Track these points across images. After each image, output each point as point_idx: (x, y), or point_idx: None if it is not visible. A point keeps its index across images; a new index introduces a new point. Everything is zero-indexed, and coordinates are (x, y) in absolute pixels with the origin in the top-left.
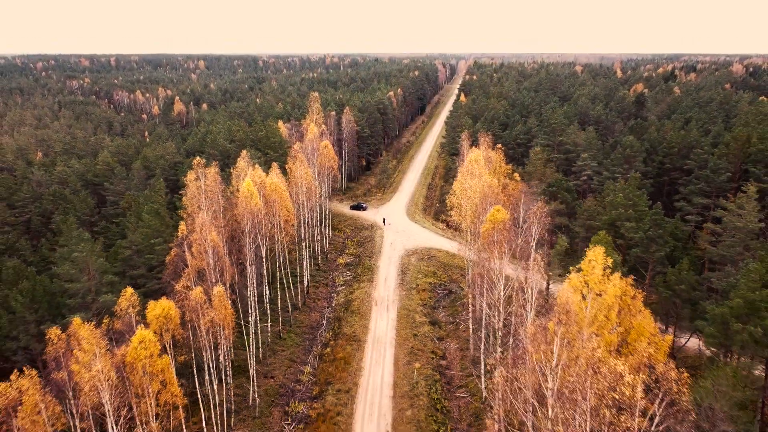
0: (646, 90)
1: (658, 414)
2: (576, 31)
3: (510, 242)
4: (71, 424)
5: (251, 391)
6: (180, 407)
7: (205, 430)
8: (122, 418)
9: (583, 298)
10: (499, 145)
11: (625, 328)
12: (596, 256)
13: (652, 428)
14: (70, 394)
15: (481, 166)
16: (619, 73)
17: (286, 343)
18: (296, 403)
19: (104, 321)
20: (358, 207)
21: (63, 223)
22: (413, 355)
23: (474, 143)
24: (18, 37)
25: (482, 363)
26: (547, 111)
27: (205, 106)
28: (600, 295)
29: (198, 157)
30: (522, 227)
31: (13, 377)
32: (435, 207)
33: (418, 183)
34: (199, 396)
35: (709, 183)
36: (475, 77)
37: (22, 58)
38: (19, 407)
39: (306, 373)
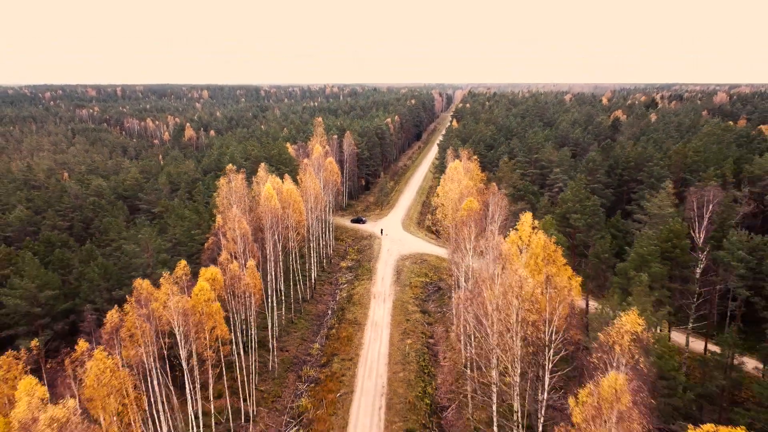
0: (624, 116)
1: (557, 313)
2: (574, 62)
3: (478, 224)
4: (156, 340)
5: (270, 360)
6: (227, 343)
7: (238, 384)
8: (188, 342)
9: (520, 251)
10: (475, 157)
11: (549, 274)
12: (526, 219)
13: (554, 320)
14: (154, 322)
15: (459, 173)
16: (605, 101)
17: (297, 327)
18: (308, 369)
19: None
20: (358, 220)
21: (112, 223)
22: (406, 334)
23: (457, 157)
24: (24, 67)
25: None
26: (529, 134)
27: (212, 132)
28: (528, 245)
29: (230, 164)
30: (489, 215)
31: (114, 308)
32: (428, 221)
33: (413, 201)
34: (236, 360)
35: (654, 189)
36: (468, 105)
37: (29, 88)
38: (121, 327)
39: (315, 348)
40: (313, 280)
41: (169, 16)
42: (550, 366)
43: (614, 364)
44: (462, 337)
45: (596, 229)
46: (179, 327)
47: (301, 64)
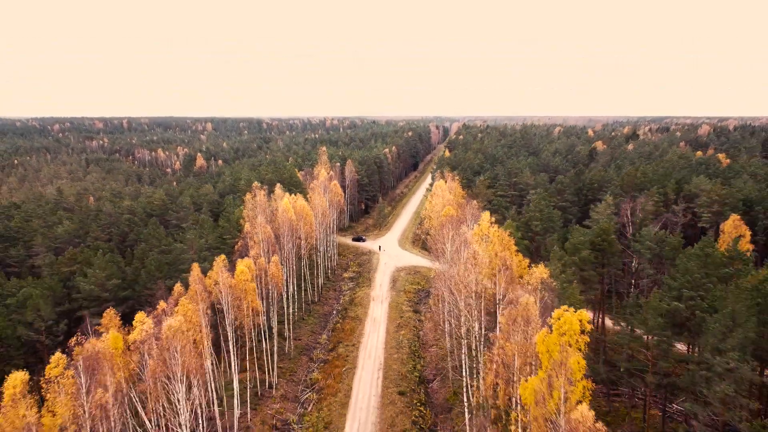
0: (603, 146)
1: (503, 281)
2: (572, 96)
3: (454, 226)
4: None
5: (287, 346)
6: (260, 314)
7: (263, 361)
8: (232, 311)
9: (482, 240)
10: (457, 177)
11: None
12: (485, 216)
13: (501, 283)
14: (207, 294)
15: (443, 190)
16: (591, 133)
17: (307, 322)
18: (318, 353)
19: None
20: (359, 239)
21: (152, 233)
22: (400, 327)
23: (443, 178)
24: (27, 100)
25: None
26: (512, 162)
27: (220, 161)
28: (488, 236)
29: (255, 182)
30: (464, 219)
31: (178, 283)
32: (422, 240)
33: (408, 223)
34: (265, 342)
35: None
36: (461, 137)
37: (36, 121)
38: (182, 298)
39: (323, 338)
40: (319, 286)
41: (172, 50)
42: (501, 310)
43: (528, 294)
44: (441, 305)
45: (551, 232)
46: (227, 298)
47: (301, 96)
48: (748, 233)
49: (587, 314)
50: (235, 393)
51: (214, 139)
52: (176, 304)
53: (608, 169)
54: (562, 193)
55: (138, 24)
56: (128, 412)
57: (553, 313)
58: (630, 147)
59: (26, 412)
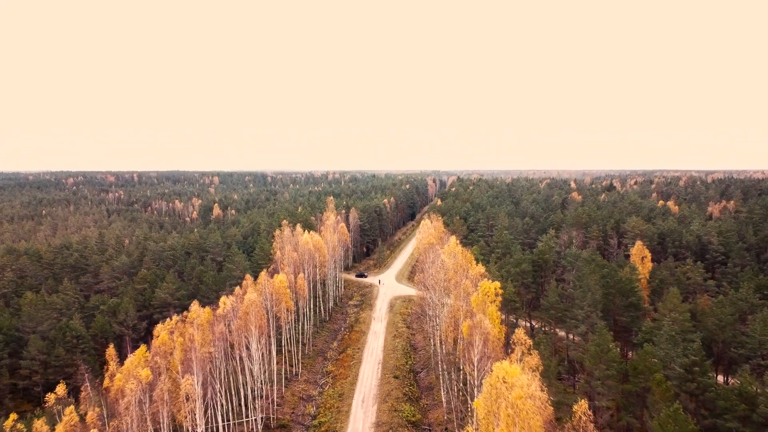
0: (579, 196)
1: (461, 277)
2: (572, 150)
3: (434, 250)
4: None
5: (306, 349)
6: (292, 311)
7: (291, 354)
8: (272, 307)
9: (451, 256)
10: (440, 218)
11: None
12: (453, 239)
13: (461, 283)
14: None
15: (429, 227)
16: (573, 185)
17: (320, 335)
18: (331, 354)
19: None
20: (361, 275)
21: (200, 265)
22: (395, 337)
23: (429, 219)
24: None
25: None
26: (494, 209)
27: (233, 211)
28: (454, 253)
29: (284, 220)
30: (441, 245)
31: (237, 288)
32: (416, 276)
33: (404, 263)
34: (292, 344)
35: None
36: (454, 189)
37: (50, 174)
38: (248, 288)
39: (334, 345)
40: (329, 308)
41: (173, 108)
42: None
43: (470, 282)
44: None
45: (508, 255)
46: (270, 298)
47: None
48: (650, 255)
49: (497, 283)
50: (274, 372)
51: (223, 192)
52: (244, 293)
53: (565, 213)
54: (528, 231)
55: (150, 145)
56: (224, 354)
57: (479, 283)
58: (603, 197)
59: (170, 338)
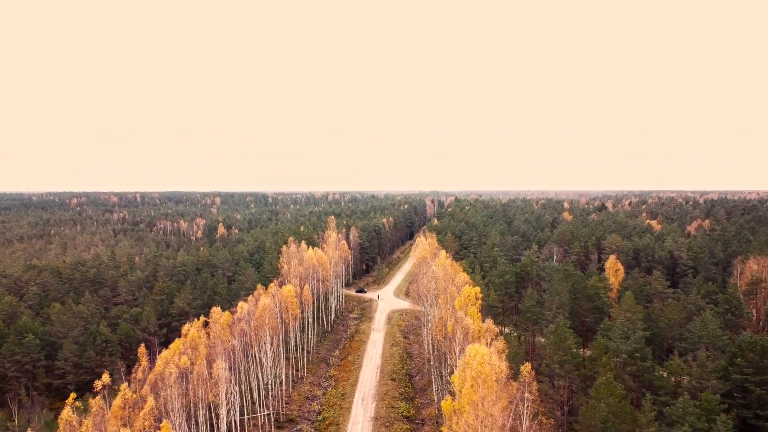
0: (570, 216)
1: (449, 284)
2: (571, 171)
3: (427, 263)
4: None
5: (311, 353)
6: (298, 319)
7: (297, 360)
8: (281, 314)
9: (441, 267)
10: (433, 235)
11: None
12: (443, 253)
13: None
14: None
15: (423, 243)
16: (566, 205)
17: (323, 344)
18: (333, 360)
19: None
20: (360, 290)
21: (212, 278)
22: (393, 346)
23: (425, 237)
24: (39, 175)
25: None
26: (487, 228)
27: (236, 230)
28: (445, 267)
29: (291, 237)
30: (433, 258)
31: (251, 296)
32: (410, 286)
33: (402, 280)
34: (297, 351)
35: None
36: (450, 209)
37: (53, 195)
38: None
39: (336, 353)
40: (331, 320)
41: (172, 129)
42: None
43: (456, 288)
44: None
45: (495, 268)
46: (279, 305)
47: (303, 170)
48: (623, 268)
49: (478, 288)
50: (283, 373)
51: (225, 212)
52: (257, 300)
53: (552, 231)
54: (517, 248)
55: (151, 166)
56: (242, 351)
57: (462, 289)
58: (592, 216)
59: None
